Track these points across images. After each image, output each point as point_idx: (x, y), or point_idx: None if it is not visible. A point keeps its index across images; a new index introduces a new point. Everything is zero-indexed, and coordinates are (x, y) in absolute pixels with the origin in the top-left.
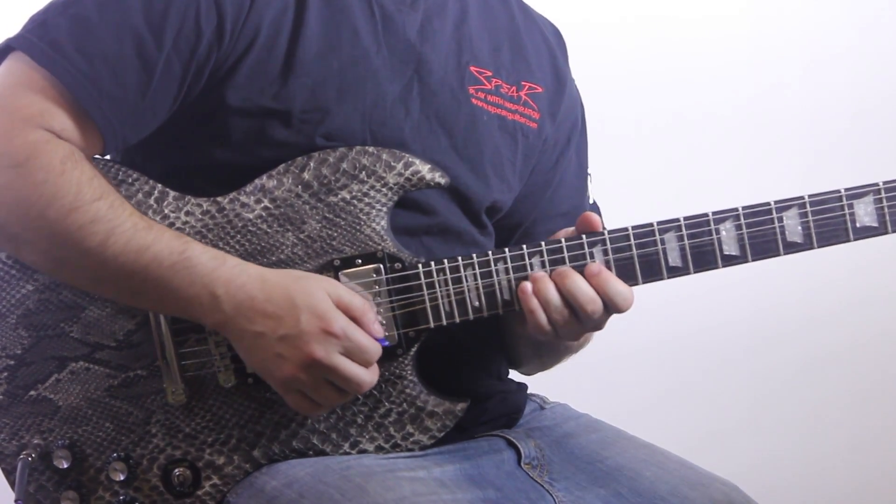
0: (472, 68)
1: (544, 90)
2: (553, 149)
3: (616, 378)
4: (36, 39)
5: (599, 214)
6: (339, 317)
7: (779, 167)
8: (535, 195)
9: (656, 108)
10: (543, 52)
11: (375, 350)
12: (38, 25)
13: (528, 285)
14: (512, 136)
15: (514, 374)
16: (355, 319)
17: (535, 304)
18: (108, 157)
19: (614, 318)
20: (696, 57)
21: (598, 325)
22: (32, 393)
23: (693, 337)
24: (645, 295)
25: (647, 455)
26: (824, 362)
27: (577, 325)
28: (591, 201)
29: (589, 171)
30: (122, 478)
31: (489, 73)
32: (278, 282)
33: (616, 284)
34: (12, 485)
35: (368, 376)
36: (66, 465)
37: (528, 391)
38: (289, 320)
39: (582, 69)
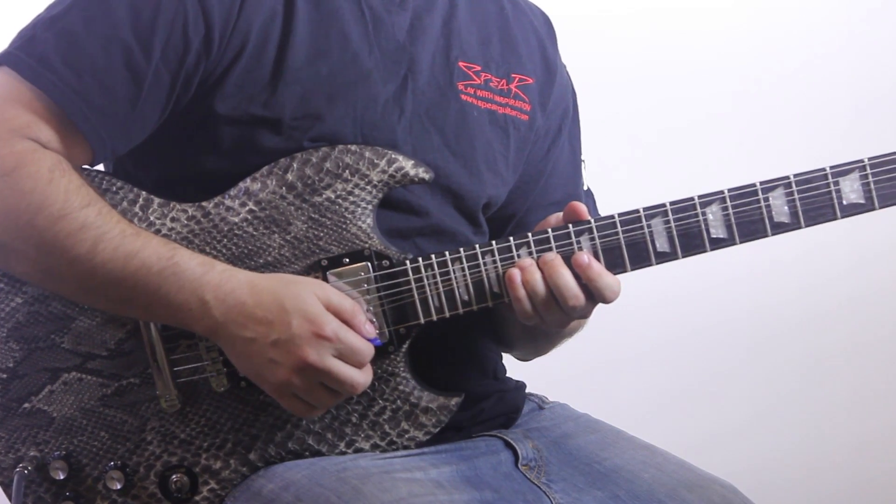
0: (460, 64)
1: (535, 81)
2: (544, 138)
3: (616, 377)
4: (24, 56)
5: (593, 201)
6: (330, 320)
7: (765, 149)
8: (527, 185)
9: (641, 96)
10: (533, 42)
11: (368, 351)
12: (26, 41)
13: (515, 274)
14: (503, 130)
15: (511, 373)
16: (346, 322)
17: (522, 293)
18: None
19: (616, 317)
20: (681, 44)
21: (584, 314)
22: (26, 405)
23: (694, 336)
24: (647, 295)
25: (645, 456)
26: (825, 363)
27: (562, 315)
28: (584, 188)
29: (583, 157)
30: (119, 486)
31: (478, 68)
32: (268, 286)
33: (605, 277)
34: (10, 498)
35: (362, 377)
36: (62, 476)
37: (528, 390)
38: (280, 325)
39: (571, 57)
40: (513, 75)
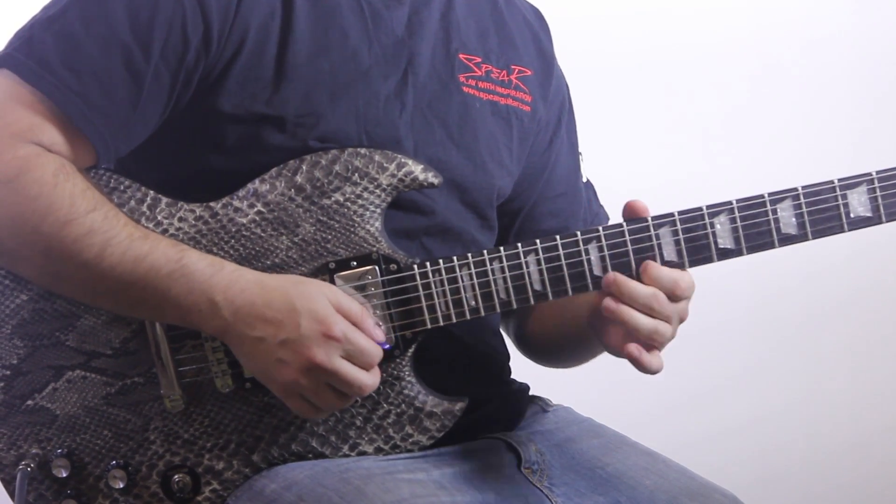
0: (461, 56)
1: (533, 73)
2: (546, 130)
3: (620, 381)
4: (23, 57)
5: (594, 192)
6: (339, 320)
7: (773, 159)
8: (532, 177)
9: (649, 101)
10: (527, 35)
11: (376, 353)
12: (24, 43)
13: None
14: (506, 121)
15: (515, 375)
16: (355, 324)
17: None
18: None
19: None
20: (690, 50)
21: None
22: (29, 402)
23: (698, 340)
24: None
25: (648, 463)
26: (828, 366)
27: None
28: (584, 179)
29: (580, 150)
30: (121, 485)
31: (478, 60)
32: (277, 286)
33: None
34: (12, 495)
35: (370, 379)
36: (65, 474)
37: (532, 393)
38: (289, 325)
39: (573, 60)
40: (512, 66)
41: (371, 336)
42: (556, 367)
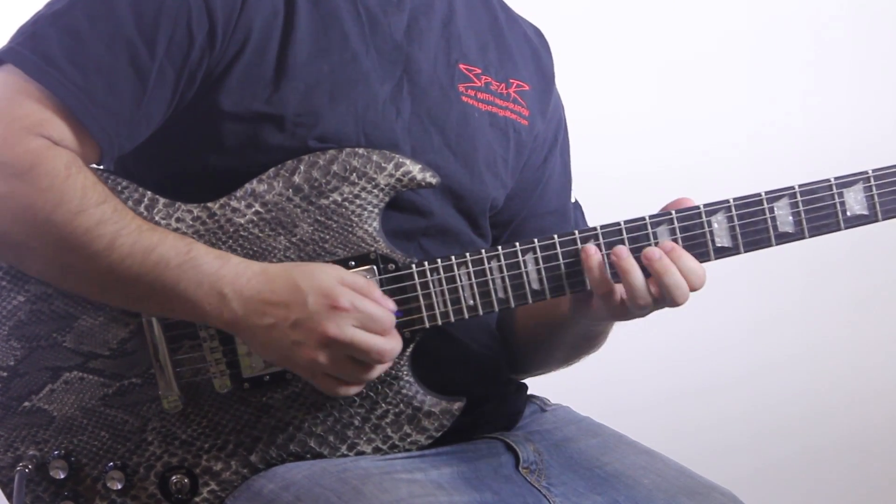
0: (461, 66)
1: (531, 88)
2: (542, 146)
3: (619, 380)
4: (28, 53)
5: (581, 212)
6: (344, 291)
7: (770, 158)
8: (525, 192)
9: (646, 102)
10: (527, 51)
11: (388, 318)
12: (29, 38)
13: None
14: (503, 133)
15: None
16: (361, 294)
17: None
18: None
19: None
20: (687, 48)
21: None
22: (26, 404)
23: (697, 340)
24: None
25: (646, 462)
26: (830, 368)
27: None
28: (573, 200)
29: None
30: (119, 486)
31: (478, 71)
32: (280, 271)
33: (688, 261)
34: (9, 497)
35: (388, 344)
36: (62, 476)
37: (530, 393)
38: (296, 305)
39: (572, 63)
40: (511, 80)
41: (380, 304)
42: (542, 369)
